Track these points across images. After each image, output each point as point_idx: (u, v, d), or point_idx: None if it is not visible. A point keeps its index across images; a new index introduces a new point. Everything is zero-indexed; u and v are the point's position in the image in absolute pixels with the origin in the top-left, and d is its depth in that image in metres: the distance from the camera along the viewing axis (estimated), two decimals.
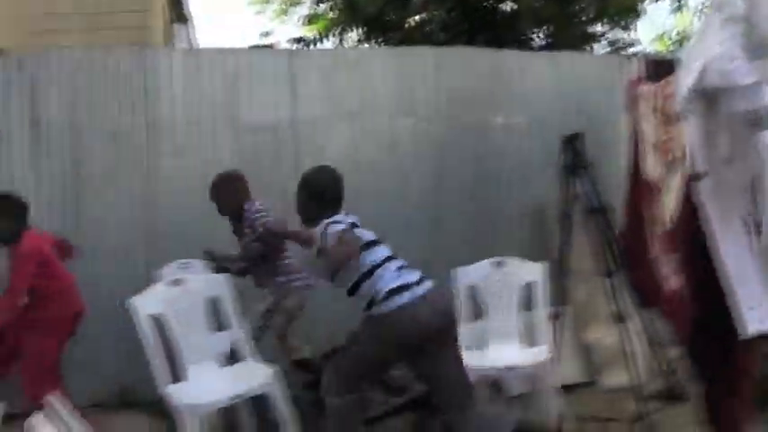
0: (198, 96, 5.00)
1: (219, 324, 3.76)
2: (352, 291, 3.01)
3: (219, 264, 4.30)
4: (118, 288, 4.61)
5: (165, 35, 10.06)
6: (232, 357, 3.73)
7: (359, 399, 3.03)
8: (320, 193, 3.15)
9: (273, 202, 4.39)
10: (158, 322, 3.46)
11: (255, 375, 3.40)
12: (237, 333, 3.65)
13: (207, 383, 3.36)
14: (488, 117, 5.35)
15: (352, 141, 5.17)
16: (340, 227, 2.95)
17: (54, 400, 2.26)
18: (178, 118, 4.97)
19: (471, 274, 4.09)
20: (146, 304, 3.41)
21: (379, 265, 2.98)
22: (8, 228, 3.89)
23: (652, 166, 4.37)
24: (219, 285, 3.64)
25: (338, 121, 5.17)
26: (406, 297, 2.90)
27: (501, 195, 5.28)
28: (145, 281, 4.47)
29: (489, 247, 4.64)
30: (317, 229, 3.03)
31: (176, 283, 3.57)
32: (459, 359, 3.02)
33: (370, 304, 2.94)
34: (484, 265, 4.17)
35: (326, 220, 3.02)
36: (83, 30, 7.33)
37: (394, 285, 2.92)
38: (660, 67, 4.55)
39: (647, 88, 4.46)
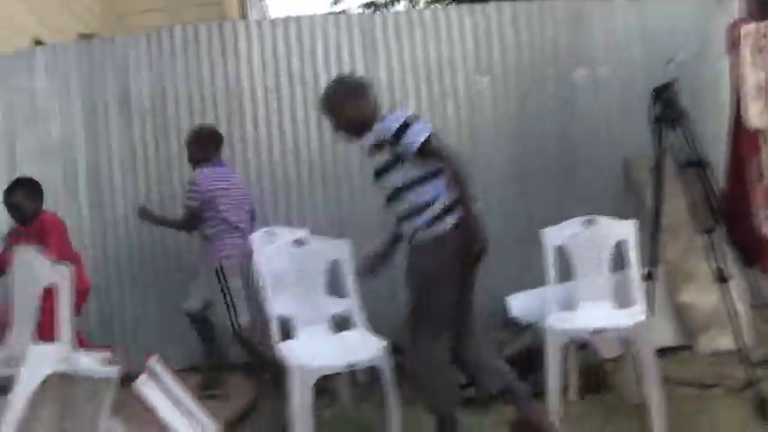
0: (276, 66, 5.06)
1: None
2: (410, 215, 2.97)
3: (152, 223, 4.50)
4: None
5: (240, 9, 10.44)
6: (343, 324, 3.76)
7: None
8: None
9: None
10: (280, 280, 3.54)
11: (367, 346, 3.36)
12: (353, 300, 3.62)
13: (318, 347, 3.39)
14: (571, 70, 5.19)
15: (430, 102, 5.12)
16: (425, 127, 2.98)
17: (155, 363, 2.33)
18: (258, 88, 5.05)
19: (559, 234, 3.97)
20: (268, 261, 3.46)
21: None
22: (34, 209, 4.13)
23: (757, 114, 4.09)
24: (342, 249, 3.62)
25: (416, 83, 5.12)
26: (457, 215, 2.89)
27: (588, 151, 5.14)
28: None
29: (577, 206, 4.52)
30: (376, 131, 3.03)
31: (299, 243, 3.59)
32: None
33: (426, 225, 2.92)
34: (572, 224, 4.02)
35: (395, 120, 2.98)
36: (165, 9, 7.76)
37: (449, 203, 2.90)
38: (766, 4, 4.19)
39: (751, 27, 4.10)
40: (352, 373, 3.84)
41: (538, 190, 5.08)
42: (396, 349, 3.32)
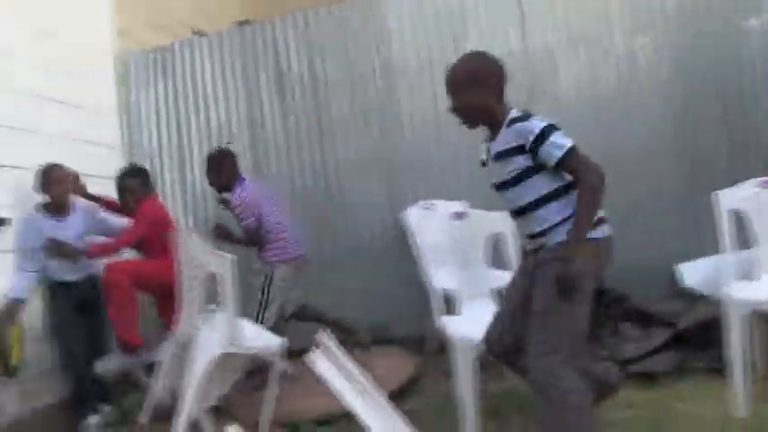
0: (427, 38, 5.02)
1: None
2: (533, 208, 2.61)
3: (225, 240, 4.43)
4: (364, 230, 5.03)
5: None
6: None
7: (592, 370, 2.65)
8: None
9: None
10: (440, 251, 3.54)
11: None
12: None
13: (482, 321, 3.29)
14: (739, 21, 4.74)
15: (588, 65, 4.88)
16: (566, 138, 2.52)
17: (326, 338, 2.39)
18: (410, 60, 5.04)
19: (735, 197, 3.59)
20: (428, 235, 3.48)
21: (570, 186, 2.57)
22: (146, 193, 4.44)
23: None
24: (504, 222, 3.44)
25: (570, 47, 4.89)
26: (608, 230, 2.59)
27: (760, 107, 4.68)
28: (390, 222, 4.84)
29: (751, 167, 4.18)
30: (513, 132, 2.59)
31: (459, 216, 3.55)
32: None
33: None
34: (749, 186, 3.66)
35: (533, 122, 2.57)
36: None
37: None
38: None
39: None
40: None
41: (706, 151, 4.69)
42: None
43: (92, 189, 4.63)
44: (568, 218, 2.52)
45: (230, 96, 5.36)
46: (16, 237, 4.08)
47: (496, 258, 3.65)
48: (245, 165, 5.15)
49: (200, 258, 3.59)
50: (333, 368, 2.20)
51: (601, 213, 2.55)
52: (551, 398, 2.46)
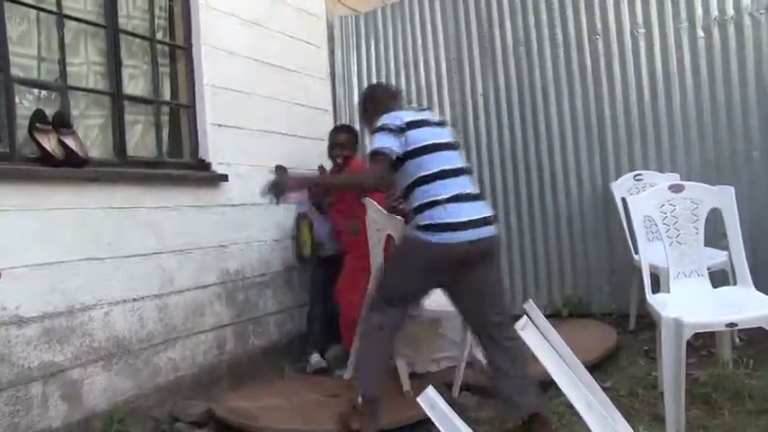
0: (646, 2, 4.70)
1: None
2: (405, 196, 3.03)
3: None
4: (569, 198, 4.93)
5: None
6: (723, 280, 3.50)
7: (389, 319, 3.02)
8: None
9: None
10: (651, 225, 3.39)
11: (753, 304, 2.98)
12: (737, 253, 3.22)
13: (694, 301, 3.13)
14: None
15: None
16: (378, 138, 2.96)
17: (531, 307, 2.35)
18: (624, 24, 4.75)
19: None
20: (642, 206, 3.30)
21: (435, 176, 2.90)
22: (354, 151, 4.57)
23: None
24: (721, 197, 3.27)
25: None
26: (449, 237, 2.83)
27: None
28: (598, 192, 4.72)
29: None
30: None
31: (676, 188, 3.33)
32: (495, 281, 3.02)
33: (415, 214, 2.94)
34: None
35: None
36: None
37: (437, 219, 2.83)
38: None
39: None
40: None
41: None
42: None
43: (302, 149, 4.89)
44: (418, 207, 2.91)
45: (439, 60, 5.37)
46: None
47: (712, 236, 3.40)
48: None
49: (378, 221, 3.71)
50: (539, 337, 2.16)
51: (453, 220, 2.82)
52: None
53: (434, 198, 2.87)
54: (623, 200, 4.26)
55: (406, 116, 2.99)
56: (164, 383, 3.72)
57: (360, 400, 3.06)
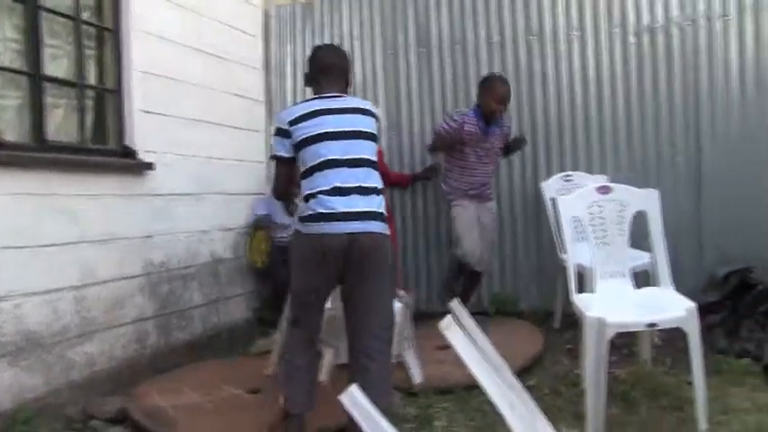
0: (580, 2, 4.78)
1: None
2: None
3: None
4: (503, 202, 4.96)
5: None
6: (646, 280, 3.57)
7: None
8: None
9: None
10: (578, 226, 3.42)
11: (673, 305, 3.05)
12: (659, 254, 3.30)
13: (618, 301, 3.18)
14: None
15: (757, 37, 4.43)
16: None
17: (456, 305, 2.34)
18: (560, 26, 4.83)
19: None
20: (571, 207, 3.34)
21: (315, 168, 2.82)
22: None
23: None
24: (648, 200, 3.34)
25: (741, 14, 4.47)
26: (323, 228, 2.74)
27: None
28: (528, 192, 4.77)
29: None
30: None
31: (604, 190, 3.37)
32: (373, 298, 2.84)
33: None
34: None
35: None
36: None
37: (313, 209, 2.76)
38: None
39: None
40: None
41: None
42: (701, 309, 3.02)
43: (234, 140, 4.79)
44: (303, 199, 2.84)
45: (374, 54, 5.34)
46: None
47: (636, 237, 3.48)
48: (385, 123, 5.18)
49: None
50: (463, 337, 2.15)
51: (325, 211, 2.74)
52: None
53: (312, 190, 2.79)
54: (552, 200, 4.33)
55: (296, 111, 2.91)
56: (78, 379, 3.57)
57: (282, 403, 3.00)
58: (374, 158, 2.91)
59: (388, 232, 2.87)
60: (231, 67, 5.05)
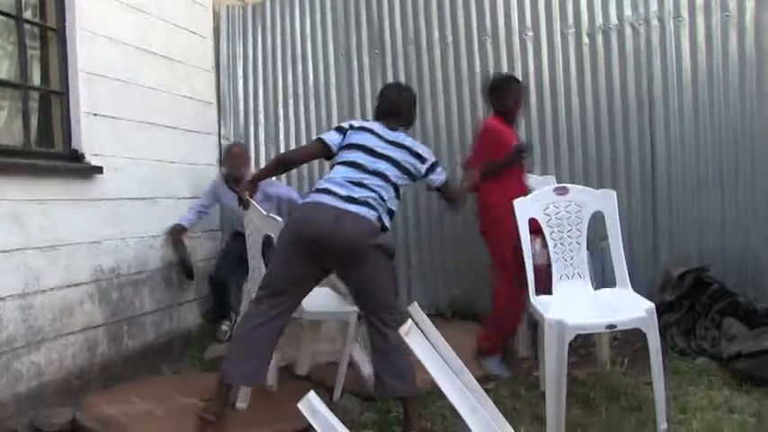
0: (534, 2, 4.77)
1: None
2: None
3: None
4: None
5: None
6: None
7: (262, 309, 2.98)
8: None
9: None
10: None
11: (631, 306, 3.05)
12: (617, 256, 3.29)
13: (576, 303, 3.19)
14: None
15: (708, 37, 4.44)
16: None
17: (416, 309, 2.31)
18: (514, 26, 4.82)
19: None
20: (528, 208, 3.33)
21: (340, 164, 3.11)
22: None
23: None
24: (605, 201, 3.35)
25: (693, 15, 4.51)
26: (317, 198, 2.98)
27: None
28: None
29: None
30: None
31: (561, 191, 3.38)
32: (373, 282, 2.97)
33: None
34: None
35: None
36: None
37: (321, 185, 3.04)
38: None
39: None
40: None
41: None
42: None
43: (186, 142, 4.68)
44: None
45: (327, 55, 5.28)
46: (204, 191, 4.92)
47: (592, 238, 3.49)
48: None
49: (255, 221, 3.59)
50: (423, 341, 2.11)
51: (319, 186, 3.07)
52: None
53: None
54: None
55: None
56: (24, 391, 3.43)
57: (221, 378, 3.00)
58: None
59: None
60: (181, 68, 4.94)
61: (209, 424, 2.92)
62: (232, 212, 4.89)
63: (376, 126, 3.22)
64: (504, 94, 4.00)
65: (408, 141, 3.23)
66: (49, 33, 3.92)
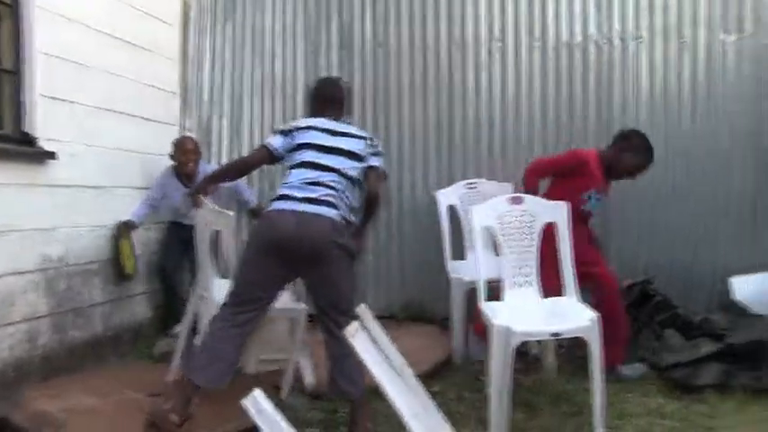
0: (503, 14, 4.87)
1: None
2: None
3: None
4: (410, 202, 5.03)
5: None
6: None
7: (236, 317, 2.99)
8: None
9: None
10: (490, 235, 3.49)
11: (577, 315, 3.14)
12: (566, 266, 3.37)
13: (524, 311, 3.25)
14: None
15: (666, 60, 4.65)
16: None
17: (364, 311, 2.32)
18: (482, 36, 4.90)
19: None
20: (482, 216, 3.39)
21: (294, 167, 3.12)
22: None
23: None
24: (557, 212, 3.41)
25: (652, 38, 4.67)
26: (277, 205, 3.02)
27: None
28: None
29: None
30: None
31: (516, 201, 3.45)
32: (334, 283, 2.99)
33: None
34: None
35: None
36: None
37: (279, 192, 3.07)
38: None
39: None
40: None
41: None
42: None
43: (147, 132, 4.61)
44: None
45: (295, 51, 5.26)
46: (153, 183, 4.78)
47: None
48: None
49: (207, 217, 3.56)
50: (369, 343, 2.12)
51: (279, 192, 3.09)
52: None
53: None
54: (451, 208, 4.55)
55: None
56: None
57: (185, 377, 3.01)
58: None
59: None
60: (146, 55, 4.86)
61: (177, 427, 2.84)
62: (176, 207, 4.75)
63: (319, 122, 3.22)
64: (632, 154, 3.90)
65: (354, 129, 3.27)
66: (1, 8, 3.76)
